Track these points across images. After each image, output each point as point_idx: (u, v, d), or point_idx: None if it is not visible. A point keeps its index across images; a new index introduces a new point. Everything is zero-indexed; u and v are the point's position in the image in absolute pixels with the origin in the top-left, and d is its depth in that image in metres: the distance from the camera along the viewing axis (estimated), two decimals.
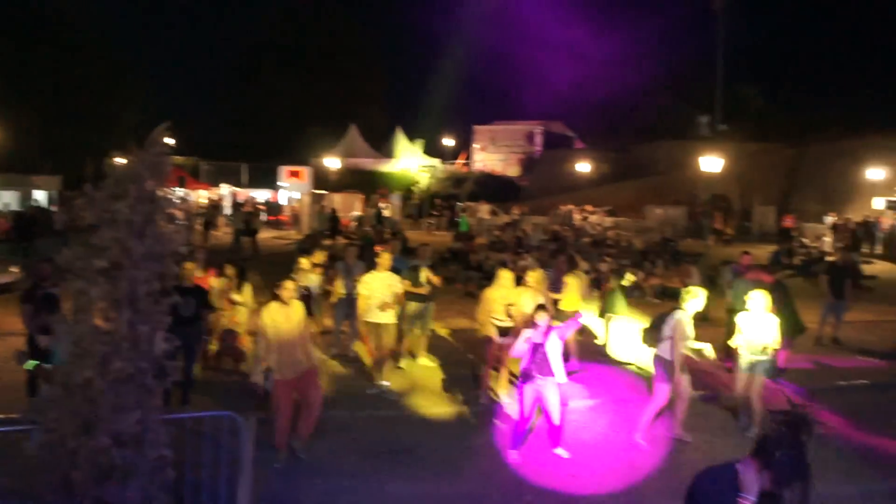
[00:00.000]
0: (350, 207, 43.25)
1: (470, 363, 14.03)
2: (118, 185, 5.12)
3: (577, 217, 44.02)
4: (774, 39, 53.97)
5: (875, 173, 41.70)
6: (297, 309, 9.48)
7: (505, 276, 12.49)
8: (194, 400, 11.02)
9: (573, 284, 14.51)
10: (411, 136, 68.85)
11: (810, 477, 4.24)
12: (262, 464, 8.74)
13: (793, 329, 14.42)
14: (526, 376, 9.59)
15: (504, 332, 11.79)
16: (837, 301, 17.07)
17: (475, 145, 65.03)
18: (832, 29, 54.59)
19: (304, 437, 9.44)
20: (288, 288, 9.43)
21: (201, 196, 44.12)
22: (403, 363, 13.87)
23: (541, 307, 10.11)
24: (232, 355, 12.94)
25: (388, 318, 12.38)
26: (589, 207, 46.23)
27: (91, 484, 5.43)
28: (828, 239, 36.84)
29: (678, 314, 10.18)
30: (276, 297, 9.43)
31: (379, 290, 12.32)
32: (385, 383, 12.26)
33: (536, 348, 9.57)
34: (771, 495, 4.28)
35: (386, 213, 39.91)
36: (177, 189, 36.44)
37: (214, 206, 36.54)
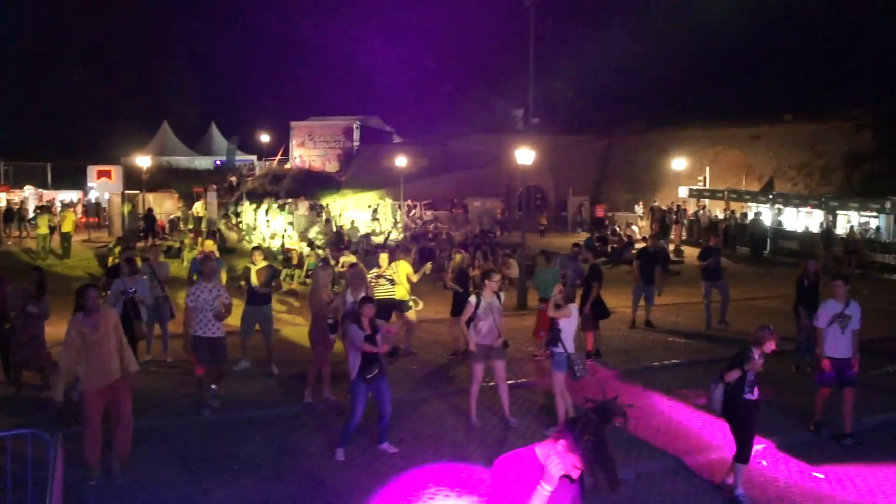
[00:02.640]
0: (165, 207, 41.77)
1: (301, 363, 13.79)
2: None
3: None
4: (584, 33, 55.60)
5: (679, 163, 43.78)
6: (106, 316, 8.93)
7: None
8: None
9: (402, 277, 14.60)
10: (227, 133, 67.30)
11: (613, 464, 4.29)
12: (74, 483, 8.29)
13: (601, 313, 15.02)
14: (361, 373, 9.50)
15: (333, 328, 11.62)
16: (648, 285, 17.81)
17: (293, 141, 64.12)
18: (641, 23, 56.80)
19: (124, 457, 8.95)
20: (91, 296, 8.84)
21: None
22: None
23: (366, 300, 10.05)
24: (35, 368, 12.13)
25: (219, 330, 11.31)
26: (409, 202, 46.47)
27: None
28: (637, 227, 38.50)
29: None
30: (79, 307, 8.87)
31: (208, 301, 11.18)
32: (212, 404, 11.39)
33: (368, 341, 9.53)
34: (571, 480, 4.30)
35: (200, 212, 38.67)
36: None
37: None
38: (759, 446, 9.59)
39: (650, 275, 17.81)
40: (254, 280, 13.76)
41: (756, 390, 8.77)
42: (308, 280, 20.83)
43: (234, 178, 57.29)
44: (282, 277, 22.88)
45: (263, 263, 14.27)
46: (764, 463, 9.77)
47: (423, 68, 68.69)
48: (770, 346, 8.65)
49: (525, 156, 22.47)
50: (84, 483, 8.53)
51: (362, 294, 11.67)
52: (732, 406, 8.74)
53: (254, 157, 66.47)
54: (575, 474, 4.25)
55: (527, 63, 23.45)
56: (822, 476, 9.55)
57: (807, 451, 10.27)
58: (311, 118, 65.82)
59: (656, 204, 42.17)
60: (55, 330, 12.87)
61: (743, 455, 8.76)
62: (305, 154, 63.05)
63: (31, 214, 37.15)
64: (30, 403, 11.49)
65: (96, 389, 8.66)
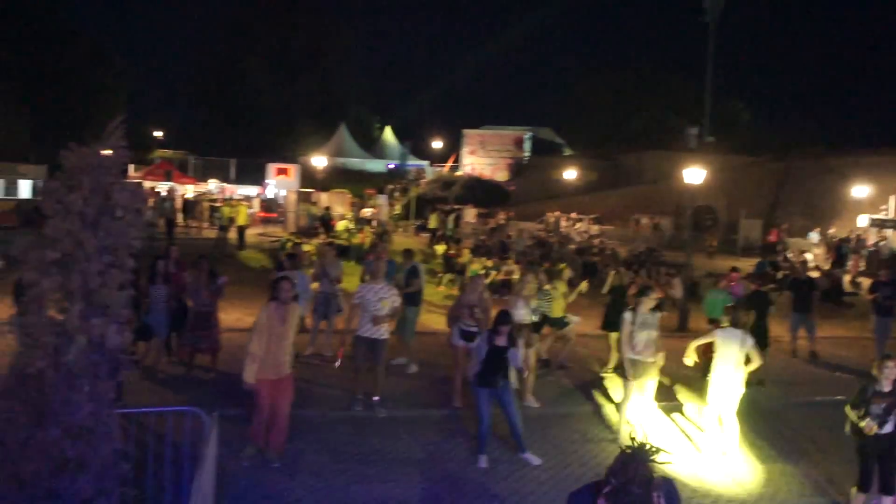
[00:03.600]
0: (338, 206, 43.12)
1: (445, 368, 14.00)
2: (72, 176, 5.07)
3: (563, 224, 44.06)
4: (763, 55, 54.05)
5: (860, 190, 41.81)
6: (293, 310, 9.31)
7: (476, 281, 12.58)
8: (161, 395, 10.98)
9: (560, 290, 14.57)
10: (401, 137, 68.93)
11: None
12: (229, 462, 8.71)
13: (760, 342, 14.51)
14: (482, 380, 9.64)
15: (470, 337, 11.73)
16: (803, 314, 17.15)
17: (465, 149, 64.99)
18: (819, 46, 54.68)
19: (279, 448, 9.31)
20: (285, 289, 9.23)
21: (188, 190, 43.97)
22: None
23: (503, 313, 10.11)
24: (209, 350, 12.79)
25: (383, 333, 11.24)
26: (574, 214, 46.27)
27: (43, 476, 5.36)
28: (811, 255, 36.94)
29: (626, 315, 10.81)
30: (274, 297, 9.25)
31: (372, 302, 11.12)
32: (376, 398, 11.44)
33: (495, 352, 9.63)
34: None
35: (370, 214, 39.72)
36: (163, 183, 36.37)
37: (163, 199, 34.95)
38: None
39: (807, 304, 17.16)
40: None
41: (889, 424, 8.47)
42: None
43: (402, 184, 58.49)
44: (444, 282, 23.37)
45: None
46: None
47: (597, 81, 68.15)
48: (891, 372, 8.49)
49: (695, 175, 21.99)
50: (237, 463, 8.96)
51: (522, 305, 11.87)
52: (858, 436, 8.62)
53: (426, 163, 67.75)
54: None
55: (704, 81, 23.04)
56: None
57: None
58: (484, 127, 66.58)
59: (831, 231, 40.39)
60: (226, 316, 13.52)
61: (861, 482, 8.65)
62: (476, 162, 63.80)
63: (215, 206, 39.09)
64: (196, 383, 12.11)
65: (269, 381, 9.05)
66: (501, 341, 9.66)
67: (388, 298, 11.20)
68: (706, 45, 22.21)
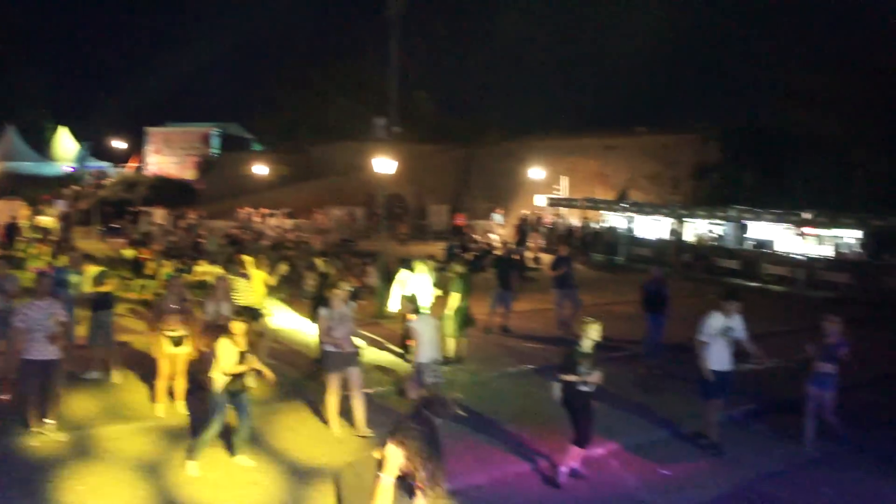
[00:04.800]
0: (10, 216, 39.72)
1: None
2: None
3: (256, 220, 43.47)
4: (444, 46, 56.04)
5: (536, 173, 44.53)
6: None
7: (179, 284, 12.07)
8: None
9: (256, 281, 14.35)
10: (80, 139, 64.80)
11: (441, 453, 4.38)
12: None
13: (465, 321, 15.15)
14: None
15: (178, 341, 11.26)
16: (505, 291, 18.08)
17: (149, 148, 62.33)
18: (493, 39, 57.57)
19: None
20: None
21: None
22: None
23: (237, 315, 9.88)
24: None
25: (53, 352, 10.19)
26: (267, 210, 45.79)
27: None
28: (496, 235, 38.94)
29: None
30: None
31: (39, 321, 10.11)
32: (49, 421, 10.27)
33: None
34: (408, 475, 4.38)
35: (46, 221, 36.94)
36: None
37: None
38: (605, 447, 9.89)
39: (508, 281, 18.15)
40: (89, 286, 13.33)
41: (589, 382, 9.13)
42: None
43: (79, 187, 54.92)
44: (135, 288, 22.22)
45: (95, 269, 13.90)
46: (666, 473, 10.01)
47: (283, 75, 67.72)
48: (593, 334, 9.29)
49: (385, 165, 22.44)
50: None
51: (225, 305, 11.55)
52: (569, 398, 9.27)
53: (107, 164, 64.21)
54: (407, 468, 4.30)
55: (389, 72, 23.49)
56: (668, 473, 9.88)
57: (654, 451, 10.62)
58: (168, 124, 64.21)
59: (530, 215, 42.80)
60: None
61: (580, 440, 9.28)
62: (162, 161, 61.43)
63: None
64: None
65: None
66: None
67: (56, 315, 10.23)
68: (390, 37, 22.67)
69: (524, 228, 39.08)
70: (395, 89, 24.28)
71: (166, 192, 52.84)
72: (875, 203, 29.14)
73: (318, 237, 36.13)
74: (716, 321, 10.90)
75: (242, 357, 9.35)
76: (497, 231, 41.90)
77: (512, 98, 56.04)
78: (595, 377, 9.17)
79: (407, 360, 11.15)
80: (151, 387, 11.66)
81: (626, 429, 11.23)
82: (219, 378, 9.27)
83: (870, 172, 31.63)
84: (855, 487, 9.62)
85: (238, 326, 9.43)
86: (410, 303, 12.33)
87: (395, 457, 4.30)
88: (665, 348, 15.17)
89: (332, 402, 10.87)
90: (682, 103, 46.60)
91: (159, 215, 41.01)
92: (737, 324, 10.94)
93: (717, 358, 10.83)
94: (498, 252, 20.25)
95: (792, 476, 10.06)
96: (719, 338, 10.82)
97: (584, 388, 9.17)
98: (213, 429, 9.29)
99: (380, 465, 4.35)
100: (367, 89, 59.47)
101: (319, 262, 16.28)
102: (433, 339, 11.21)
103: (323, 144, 56.68)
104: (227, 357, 9.26)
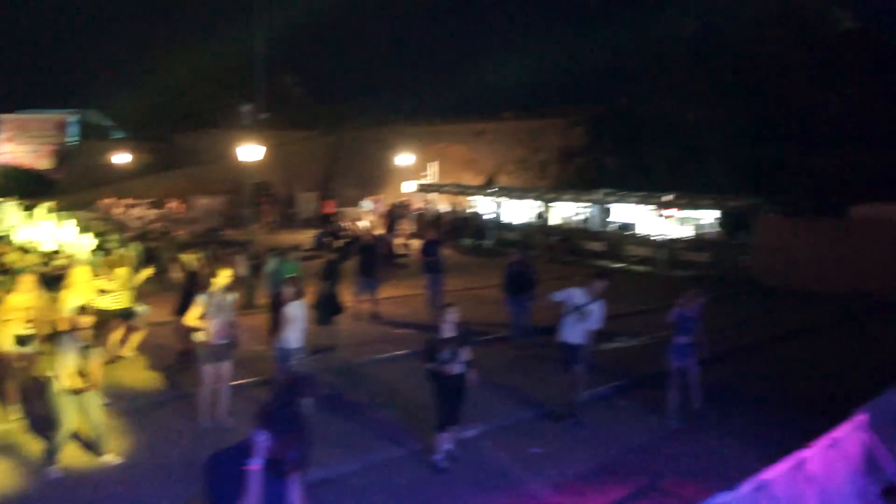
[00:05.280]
0: None
1: None
2: None
3: (117, 211, 42.10)
4: (313, 30, 55.34)
5: (405, 159, 44.62)
6: None
7: (26, 281, 11.44)
8: None
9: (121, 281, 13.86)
10: None
11: (306, 434, 4.38)
12: None
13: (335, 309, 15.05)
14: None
15: (23, 340, 10.75)
16: (367, 278, 18.04)
17: (1, 136, 59.50)
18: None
19: None
20: None
21: None
22: None
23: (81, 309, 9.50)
24: None
25: None
26: (130, 200, 44.39)
27: None
28: (366, 222, 38.83)
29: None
30: None
31: None
32: None
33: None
34: (277, 460, 4.36)
35: None
36: None
37: None
38: (477, 429, 10.01)
39: (372, 268, 18.10)
40: None
41: (457, 365, 9.18)
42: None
43: None
44: None
45: None
46: (536, 451, 10.12)
47: (149, 60, 65.67)
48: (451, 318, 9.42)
49: (252, 152, 22.06)
50: None
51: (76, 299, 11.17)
52: (436, 381, 9.30)
53: None
54: (275, 453, 4.29)
55: (255, 58, 23.09)
56: (539, 451, 10.06)
57: (523, 430, 10.79)
58: (22, 111, 61.44)
59: (399, 201, 42.78)
60: None
61: (440, 424, 9.32)
62: (15, 150, 58.73)
63: None
64: None
65: None
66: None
67: None
68: (255, 21, 22.29)
69: (394, 215, 39.08)
70: (261, 75, 23.87)
71: (21, 182, 50.58)
72: (730, 185, 30.27)
73: (183, 227, 35.26)
74: (576, 294, 11.10)
75: (86, 353, 9.00)
76: (367, 218, 41.79)
77: (381, 84, 55.85)
78: (453, 366, 9.18)
79: (277, 348, 10.95)
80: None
81: (496, 410, 11.38)
82: (61, 377, 8.88)
83: (725, 156, 32.82)
84: (712, 457, 9.97)
85: (82, 321, 9.07)
86: (288, 288, 12.11)
87: (262, 442, 4.25)
88: (533, 331, 15.40)
89: (203, 394, 10.61)
90: (547, 89, 47.27)
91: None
92: (595, 307, 11.08)
93: (569, 331, 11.04)
94: (362, 239, 20.19)
95: (655, 448, 10.36)
96: (574, 313, 11.00)
97: (449, 373, 9.18)
98: (64, 430, 8.94)
99: (248, 451, 4.28)
100: (233, 75, 58.26)
101: (185, 254, 15.86)
102: (304, 326, 11.11)
103: (187, 132, 55.28)
104: (69, 354, 8.90)
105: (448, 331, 9.36)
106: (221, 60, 61.64)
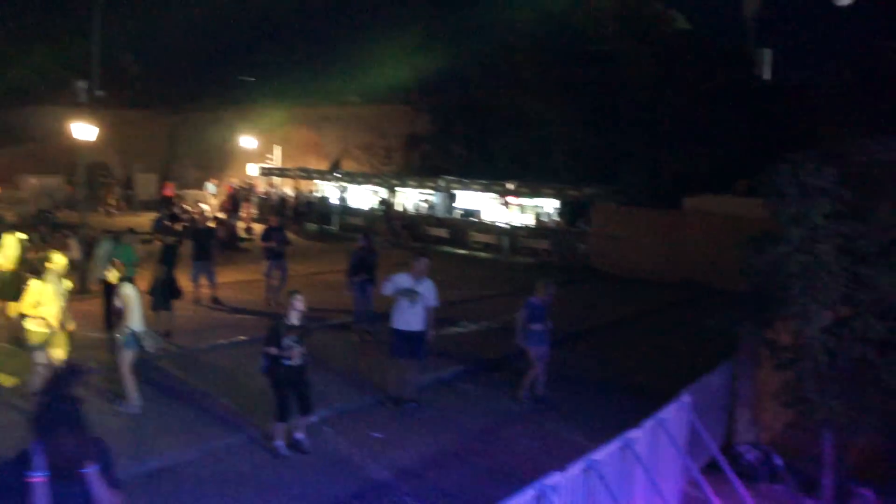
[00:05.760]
0: None
1: None
2: None
3: None
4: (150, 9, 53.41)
5: (249, 141, 43.87)
6: None
7: None
8: None
9: None
10: None
11: (85, 426, 4.12)
12: None
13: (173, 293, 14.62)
14: None
15: None
16: (203, 262, 17.64)
17: None
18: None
19: None
20: None
21: None
22: None
23: None
24: None
25: None
26: None
27: None
28: (207, 205, 37.94)
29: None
30: None
31: None
32: None
33: None
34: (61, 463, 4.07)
35: None
36: None
37: None
38: (317, 415, 9.96)
39: (207, 252, 17.70)
40: None
41: (295, 355, 9.13)
42: None
43: None
44: None
45: None
46: (377, 436, 10.13)
47: None
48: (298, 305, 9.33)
49: (87, 131, 21.17)
50: None
51: None
52: (273, 371, 9.24)
53: None
54: (59, 454, 4.03)
55: (91, 33, 22.10)
56: (380, 436, 10.10)
57: (365, 415, 10.82)
58: None
59: (243, 184, 41.91)
60: None
61: (280, 414, 9.27)
62: None
63: None
64: None
65: None
66: None
67: None
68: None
69: (236, 198, 38.32)
70: (98, 51, 22.89)
71: None
72: (573, 175, 31.09)
73: (10, 208, 33.55)
74: (401, 280, 11.17)
75: None
76: (209, 201, 40.82)
77: (225, 65, 54.51)
78: (297, 351, 9.14)
79: (117, 333, 10.53)
80: None
81: (337, 395, 11.33)
82: None
83: (568, 147, 33.63)
84: (549, 438, 10.27)
85: None
86: (120, 270, 11.66)
87: (37, 448, 3.99)
88: (376, 316, 15.39)
89: (37, 381, 10.09)
90: (395, 76, 47.28)
91: None
92: (425, 288, 11.16)
93: (401, 318, 11.08)
94: (199, 223, 19.68)
95: (496, 431, 10.58)
96: (403, 298, 11.05)
97: (289, 362, 9.12)
98: None
99: (28, 461, 4.02)
100: (68, 50, 55.69)
101: (10, 237, 15.02)
102: (139, 310, 10.74)
103: (15, 108, 52.51)
104: None
105: (294, 318, 9.28)
106: (55, 33, 58.88)
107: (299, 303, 9.38)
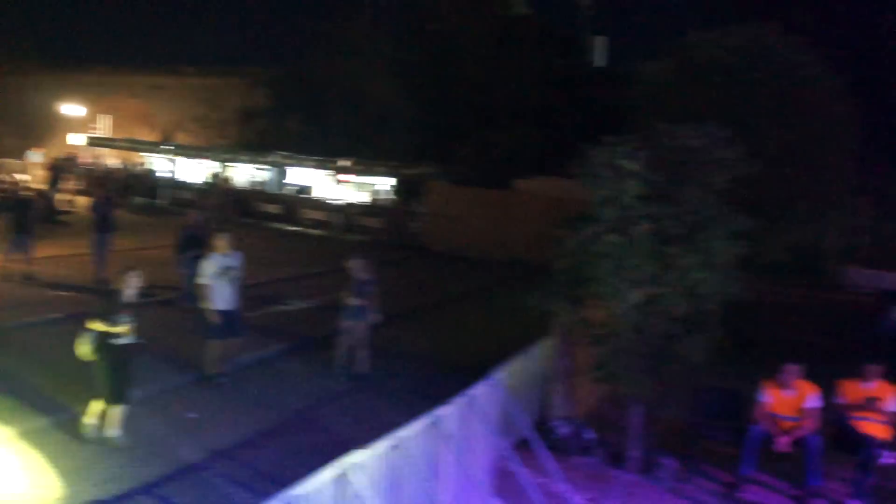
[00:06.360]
0: None
1: None
2: None
3: None
4: None
5: (74, 109, 42.02)
6: None
7: None
8: None
9: None
10: None
11: None
12: None
13: None
14: None
15: None
16: (21, 236, 16.86)
17: None
18: None
19: None
20: None
21: None
22: None
23: None
24: None
25: None
26: None
27: None
28: (28, 176, 36.08)
29: None
30: None
31: None
32: None
33: None
34: None
35: None
36: None
37: None
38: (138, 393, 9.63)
39: (24, 225, 16.91)
40: None
41: (122, 333, 8.91)
42: None
43: None
44: None
45: None
46: (193, 416, 9.90)
47: None
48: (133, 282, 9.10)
49: None
50: None
51: None
52: (103, 350, 8.81)
53: None
54: None
55: None
56: (196, 416, 9.88)
57: (181, 395, 10.56)
58: None
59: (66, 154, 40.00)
60: None
61: (112, 397, 8.85)
62: None
63: None
64: None
65: None
66: None
67: None
68: None
69: (58, 169, 36.55)
70: None
71: None
72: (409, 153, 31.24)
73: None
74: (213, 262, 11.10)
75: None
76: (32, 171, 38.78)
77: (49, 26, 51.88)
78: (126, 328, 8.87)
79: None
80: None
81: (152, 375, 10.95)
82: None
83: (405, 125, 33.72)
84: (371, 415, 10.28)
85: None
86: None
87: None
88: None
89: None
90: (230, 45, 46.28)
91: None
92: (235, 261, 11.23)
93: (220, 297, 11.01)
94: (17, 193, 18.78)
95: (314, 409, 10.53)
96: (219, 278, 11.00)
97: (120, 341, 8.81)
98: None
99: None
100: None
101: None
102: None
103: None
104: None
105: (129, 296, 9.01)
106: None
107: (135, 280, 9.10)
